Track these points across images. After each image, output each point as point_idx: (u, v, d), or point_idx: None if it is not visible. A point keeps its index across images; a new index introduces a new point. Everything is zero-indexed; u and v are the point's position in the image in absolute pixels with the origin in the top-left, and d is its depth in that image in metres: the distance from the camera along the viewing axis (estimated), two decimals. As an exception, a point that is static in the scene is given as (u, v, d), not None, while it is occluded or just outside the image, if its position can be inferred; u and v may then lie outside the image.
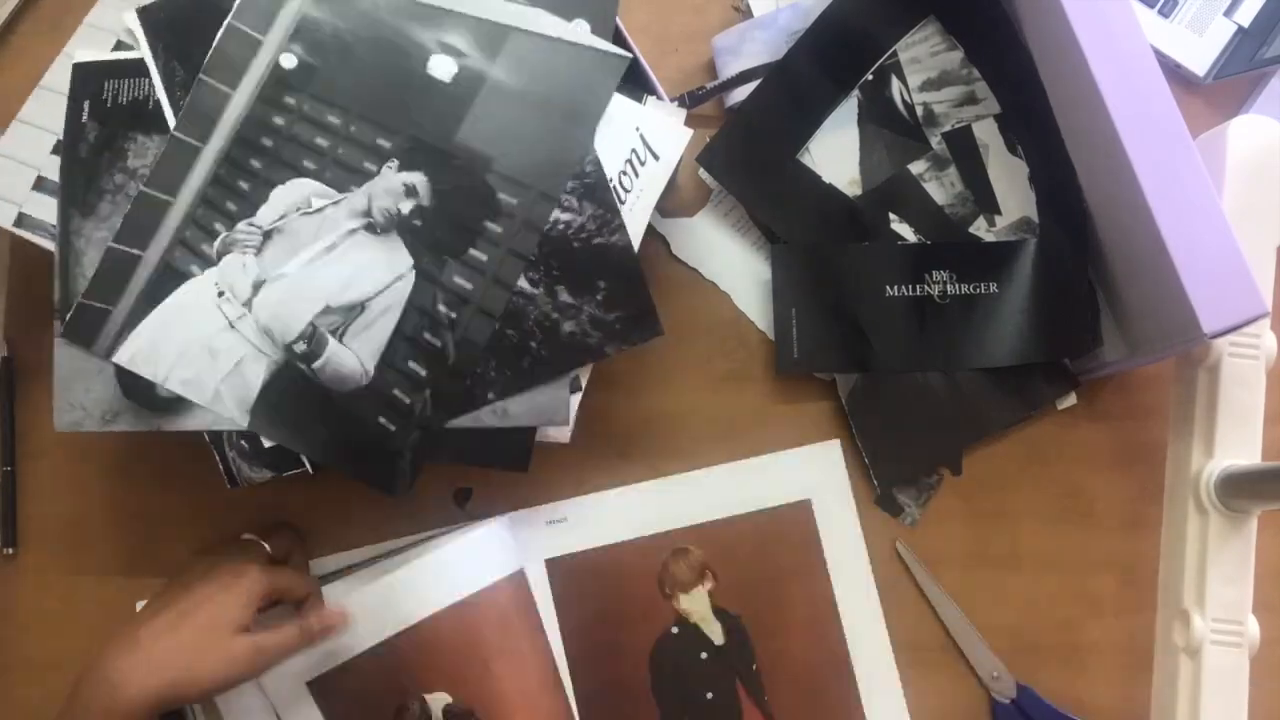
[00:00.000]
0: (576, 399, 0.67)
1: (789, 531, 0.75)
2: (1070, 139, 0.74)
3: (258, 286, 0.65)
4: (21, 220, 0.69)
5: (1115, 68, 0.66)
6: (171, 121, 0.67)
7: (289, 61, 0.67)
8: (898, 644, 0.74)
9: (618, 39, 0.70)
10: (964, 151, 0.77)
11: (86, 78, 0.68)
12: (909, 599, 0.75)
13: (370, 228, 0.66)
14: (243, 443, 0.66)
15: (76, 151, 0.67)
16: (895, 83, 0.78)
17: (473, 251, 0.66)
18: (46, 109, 0.70)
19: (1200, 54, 0.80)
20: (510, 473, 0.67)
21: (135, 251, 0.66)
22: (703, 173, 0.77)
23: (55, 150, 0.69)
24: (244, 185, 0.66)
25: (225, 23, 0.67)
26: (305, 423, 0.65)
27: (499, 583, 0.70)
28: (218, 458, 0.66)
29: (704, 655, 0.74)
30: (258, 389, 0.65)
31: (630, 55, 0.68)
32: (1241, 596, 0.69)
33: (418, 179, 0.66)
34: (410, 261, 0.66)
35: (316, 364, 0.65)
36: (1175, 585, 0.72)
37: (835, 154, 0.77)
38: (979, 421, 0.76)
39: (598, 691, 0.73)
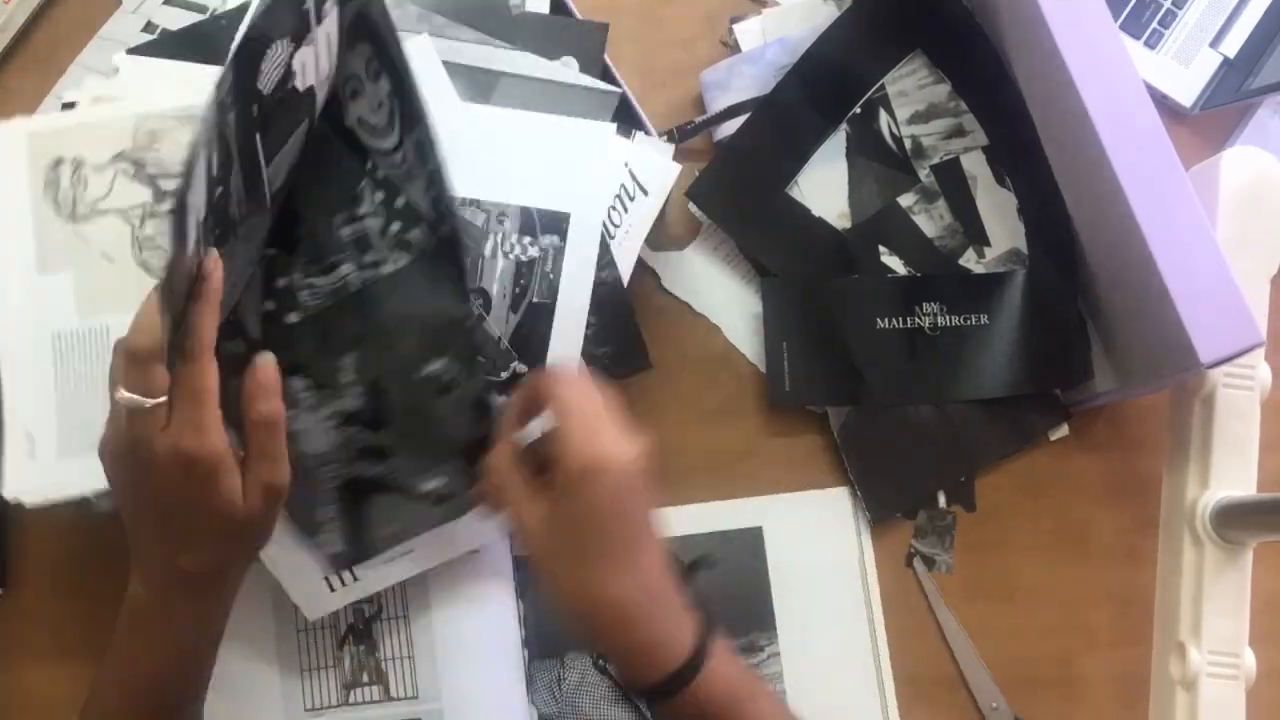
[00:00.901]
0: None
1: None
2: (1059, 171, 0.74)
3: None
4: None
5: (1108, 100, 0.66)
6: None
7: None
8: (899, 674, 0.73)
9: (606, 75, 0.70)
10: (953, 184, 0.78)
11: (76, 119, 0.68)
12: (911, 627, 0.74)
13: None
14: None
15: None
16: (883, 116, 0.78)
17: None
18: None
19: (1187, 85, 0.80)
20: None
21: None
22: (692, 206, 0.77)
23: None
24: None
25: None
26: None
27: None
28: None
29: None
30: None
31: (619, 91, 0.69)
32: (1238, 629, 0.69)
33: None
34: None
35: None
36: (1171, 617, 0.71)
37: (824, 187, 0.77)
38: (972, 453, 0.76)
39: None
